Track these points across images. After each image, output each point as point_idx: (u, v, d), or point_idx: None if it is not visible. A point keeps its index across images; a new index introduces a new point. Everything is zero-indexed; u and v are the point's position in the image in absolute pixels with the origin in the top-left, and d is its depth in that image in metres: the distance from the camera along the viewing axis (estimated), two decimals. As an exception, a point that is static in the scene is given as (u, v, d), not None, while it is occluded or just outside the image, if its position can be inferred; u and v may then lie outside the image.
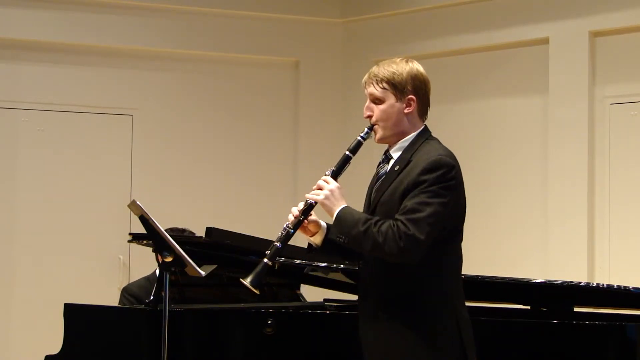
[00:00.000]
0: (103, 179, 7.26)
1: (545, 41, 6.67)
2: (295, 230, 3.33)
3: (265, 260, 3.29)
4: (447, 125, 6.95)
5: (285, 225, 3.34)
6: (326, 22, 7.77)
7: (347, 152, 3.37)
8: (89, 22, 7.21)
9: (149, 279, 5.66)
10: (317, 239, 3.39)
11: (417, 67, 3.39)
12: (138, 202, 3.95)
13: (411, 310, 3.22)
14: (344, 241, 3.24)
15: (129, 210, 4.06)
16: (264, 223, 7.26)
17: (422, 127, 3.40)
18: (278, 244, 3.30)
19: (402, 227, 3.13)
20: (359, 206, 3.40)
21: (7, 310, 7.04)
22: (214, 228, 4.51)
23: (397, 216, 3.18)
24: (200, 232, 4.57)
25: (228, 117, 7.64)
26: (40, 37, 7.12)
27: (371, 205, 3.35)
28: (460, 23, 7.11)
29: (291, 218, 3.34)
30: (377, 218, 3.21)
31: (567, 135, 6.53)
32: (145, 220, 3.97)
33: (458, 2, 7.09)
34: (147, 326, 4.44)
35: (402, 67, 3.36)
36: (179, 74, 7.52)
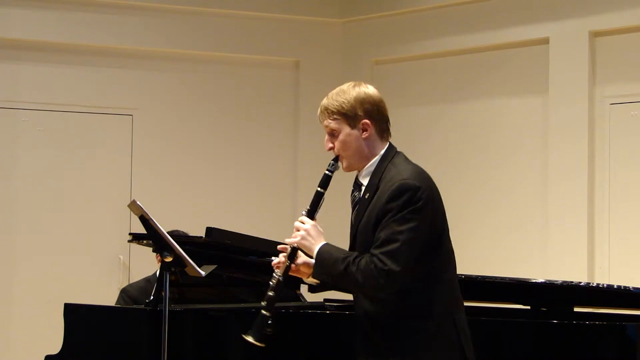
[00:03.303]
0: (103, 179, 7.26)
1: (545, 41, 6.67)
2: (284, 276, 3.32)
3: (263, 311, 3.30)
4: (447, 125, 6.93)
5: (274, 273, 3.34)
6: (326, 22, 7.77)
7: (318, 189, 3.37)
8: (89, 22, 7.20)
9: (150, 280, 5.66)
10: (314, 279, 3.39)
11: (364, 90, 3.34)
12: (138, 202, 3.95)
13: (411, 337, 3.21)
14: (329, 280, 3.27)
15: (129, 210, 4.06)
16: (264, 223, 7.28)
17: (386, 146, 3.36)
18: (271, 293, 3.30)
19: (378, 263, 3.13)
20: (341, 233, 3.39)
21: (7, 310, 7.04)
22: (214, 228, 4.50)
23: (372, 250, 3.17)
24: (200, 232, 4.56)
25: (228, 117, 7.64)
26: (40, 37, 7.12)
27: (352, 230, 3.35)
28: (460, 23, 7.11)
29: (277, 262, 3.36)
30: (355, 254, 3.21)
31: (567, 135, 6.53)
32: (145, 220, 3.97)
33: (458, 2, 7.08)
34: (147, 326, 4.44)
35: (349, 94, 3.33)
36: (179, 74, 7.52)
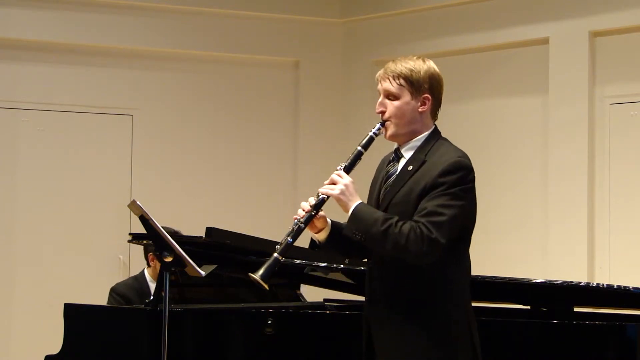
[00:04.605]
0: (103, 179, 7.26)
1: (545, 41, 6.67)
2: (306, 225, 3.26)
3: (276, 255, 3.24)
4: (447, 125, 6.88)
5: (296, 220, 3.28)
6: (326, 22, 7.77)
7: (359, 148, 3.32)
8: (89, 22, 7.21)
9: (137, 278, 5.77)
10: (321, 236, 3.34)
11: (434, 66, 3.34)
12: (138, 202, 3.94)
13: (425, 310, 3.21)
14: (360, 238, 3.19)
15: (129, 210, 4.06)
16: (264, 223, 7.27)
17: (433, 127, 3.36)
18: (289, 239, 3.25)
19: (425, 230, 3.11)
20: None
21: (8, 310, 7.04)
22: (214, 228, 4.50)
23: (416, 218, 3.15)
24: (200, 232, 4.56)
25: (228, 117, 7.64)
26: (40, 37, 7.12)
27: (381, 204, 3.29)
28: (460, 23, 7.11)
29: (301, 213, 3.28)
30: (396, 218, 3.16)
31: (567, 135, 6.54)
32: (145, 220, 3.97)
33: (458, 2, 7.09)
34: (147, 326, 4.44)
35: (419, 64, 3.31)
36: (179, 74, 7.52)
